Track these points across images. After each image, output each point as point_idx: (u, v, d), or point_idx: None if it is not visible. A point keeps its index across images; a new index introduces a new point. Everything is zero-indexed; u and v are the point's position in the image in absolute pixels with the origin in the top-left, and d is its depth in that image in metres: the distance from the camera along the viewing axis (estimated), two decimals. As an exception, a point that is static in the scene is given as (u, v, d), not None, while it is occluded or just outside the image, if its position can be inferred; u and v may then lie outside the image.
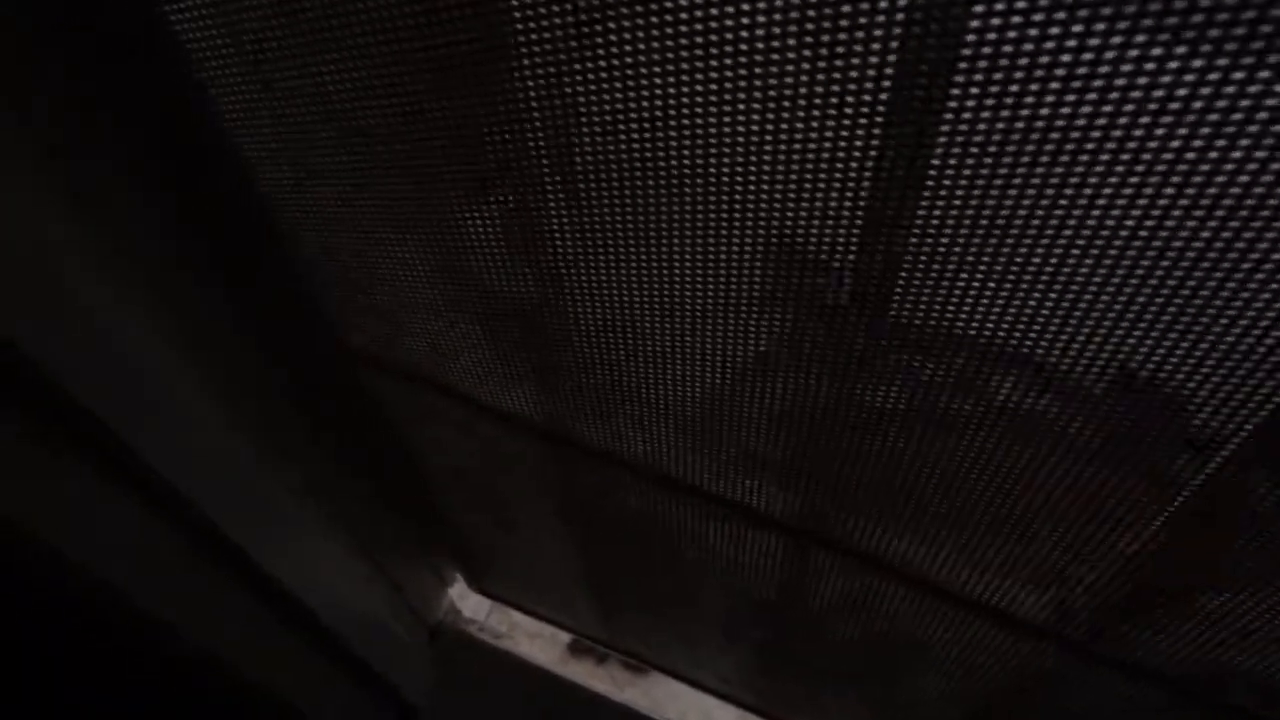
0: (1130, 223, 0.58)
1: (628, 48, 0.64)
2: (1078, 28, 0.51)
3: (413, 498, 1.70)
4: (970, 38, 0.54)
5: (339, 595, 1.63)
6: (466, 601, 2.42)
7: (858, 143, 0.62)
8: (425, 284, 1.06)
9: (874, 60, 0.57)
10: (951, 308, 0.70)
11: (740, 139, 0.66)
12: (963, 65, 0.55)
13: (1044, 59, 0.53)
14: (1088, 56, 0.51)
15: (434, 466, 1.52)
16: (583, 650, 2.51)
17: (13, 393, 0.91)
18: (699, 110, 0.66)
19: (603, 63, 0.67)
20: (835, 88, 0.59)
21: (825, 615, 1.22)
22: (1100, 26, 0.50)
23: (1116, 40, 0.50)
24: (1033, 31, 0.52)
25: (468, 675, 2.22)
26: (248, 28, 0.83)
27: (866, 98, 0.59)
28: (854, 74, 0.58)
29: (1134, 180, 0.56)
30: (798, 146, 0.64)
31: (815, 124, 0.62)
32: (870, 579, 1.06)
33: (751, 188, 0.69)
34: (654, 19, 0.62)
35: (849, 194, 0.66)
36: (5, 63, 0.82)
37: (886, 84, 0.58)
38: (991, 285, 0.66)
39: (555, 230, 0.87)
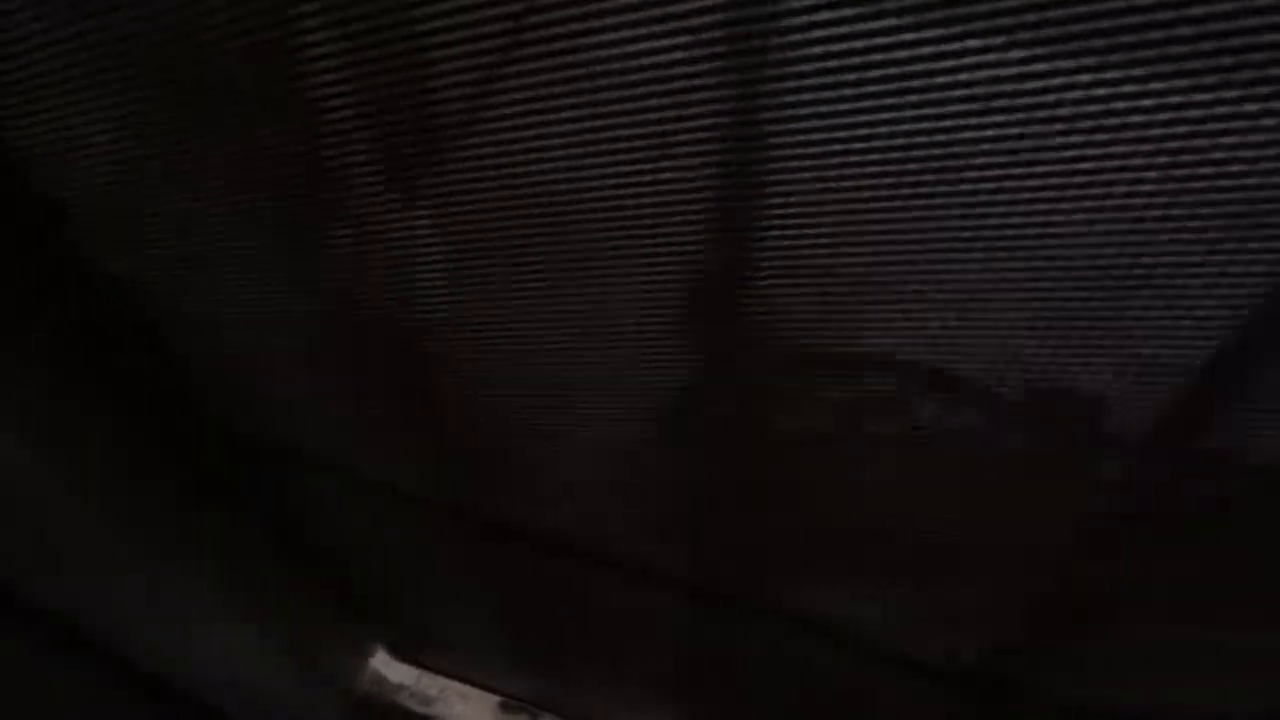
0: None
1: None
2: None
3: (331, 578, 1.65)
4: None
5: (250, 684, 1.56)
6: (392, 669, 2.34)
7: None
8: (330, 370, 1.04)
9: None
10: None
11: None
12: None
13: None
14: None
15: (351, 549, 1.49)
16: (513, 709, 2.46)
17: None
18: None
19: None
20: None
21: (743, 673, 1.23)
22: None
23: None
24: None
25: (398, 746, 2.15)
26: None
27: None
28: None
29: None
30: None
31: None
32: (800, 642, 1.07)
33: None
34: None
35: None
36: None
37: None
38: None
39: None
